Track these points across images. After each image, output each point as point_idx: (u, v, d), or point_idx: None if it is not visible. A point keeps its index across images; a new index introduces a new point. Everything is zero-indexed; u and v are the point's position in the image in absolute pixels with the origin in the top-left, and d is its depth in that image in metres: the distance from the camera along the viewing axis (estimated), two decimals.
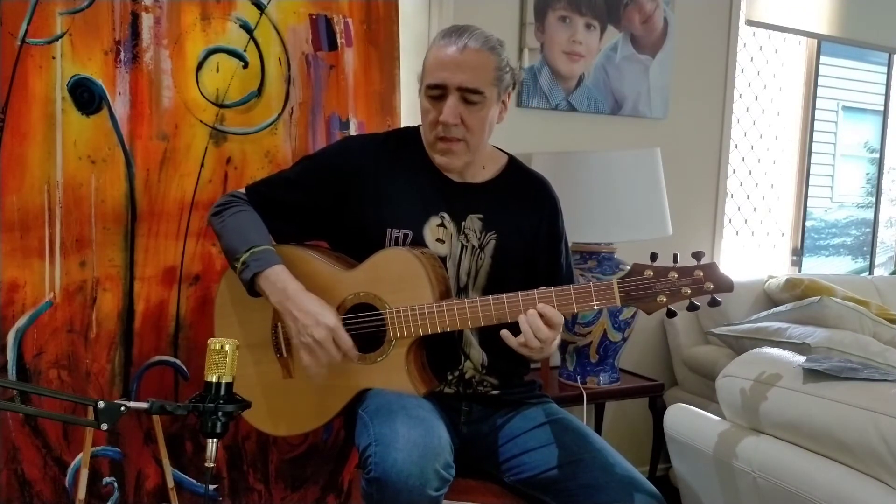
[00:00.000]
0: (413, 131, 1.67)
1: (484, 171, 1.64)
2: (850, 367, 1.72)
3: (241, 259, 1.49)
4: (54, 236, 1.72)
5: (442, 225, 1.59)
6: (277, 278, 1.48)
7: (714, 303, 1.41)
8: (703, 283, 1.39)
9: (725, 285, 1.40)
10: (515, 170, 1.68)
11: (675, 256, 1.41)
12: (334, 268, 1.56)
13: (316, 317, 1.44)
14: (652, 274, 1.40)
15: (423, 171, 1.61)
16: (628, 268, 2.38)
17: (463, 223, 1.59)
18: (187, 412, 1.31)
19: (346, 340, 1.46)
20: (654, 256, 1.42)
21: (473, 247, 1.60)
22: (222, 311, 1.66)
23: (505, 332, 1.43)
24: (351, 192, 1.59)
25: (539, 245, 1.66)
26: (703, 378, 2.71)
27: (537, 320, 1.40)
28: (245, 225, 1.56)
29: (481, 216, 1.60)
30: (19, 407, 1.67)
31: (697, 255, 1.40)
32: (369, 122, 1.97)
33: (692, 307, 1.42)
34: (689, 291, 1.39)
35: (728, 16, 3.02)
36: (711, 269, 1.39)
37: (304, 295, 1.47)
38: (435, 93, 1.51)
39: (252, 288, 1.50)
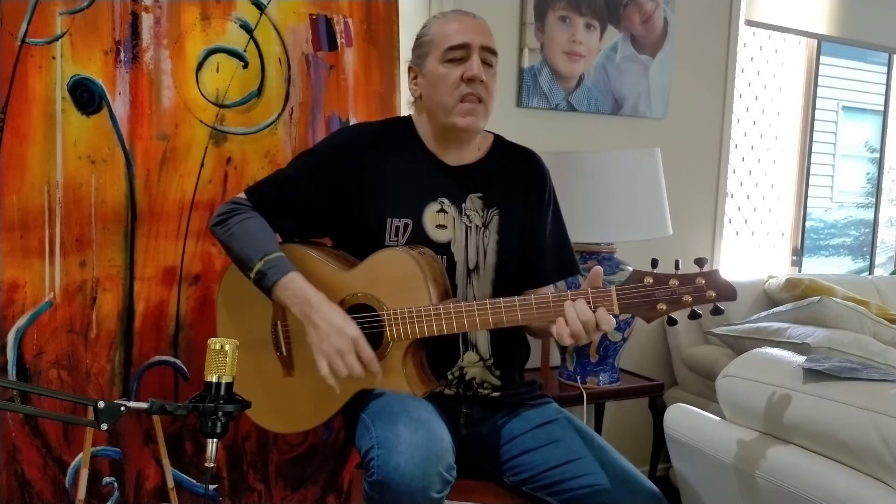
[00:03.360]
0: (406, 120, 1.68)
1: (478, 151, 1.66)
2: (850, 367, 1.72)
3: (256, 268, 1.48)
4: (54, 236, 1.72)
5: (442, 210, 1.59)
6: (297, 287, 1.47)
7: (717, 311, 1.37)
8: (706, 292, 1.35)
9: (728, 293, 1.36)
10: (503, 146, 1.71)
11: (676, 263, 1.37)
12: (333, 267, 1.56)
13: (339, 328, 1.43)
14: (651, 281, 1.36)
15: (418, 158, 1.62)
16: (629, 269, 2.38)
17: (463, 205, 1.60)
18: (187, 412, 1.31)
19: (368, 352, 1.44)
20: (654, 263, 1.39)
21: (478, 226, 1.60)
22: (224, 309, 1.66)
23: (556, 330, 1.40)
24: (350, 184, 1.59)
25: (531, 215, 1.66)
26: (703, 378, 2.71)
27: (581, 303, 1.37)
28: (253, 232, 1.54)
29: (480, 195, 1.61)
30: (19, 407, 1.67)
31: (700, 262, 1.36)
32: None
33: (694, 315, 1.38)
34: (690, 299, 1.36)
35: (728, 16, 3.02)
36: (714, 277, 1.36)
37: (328, 305, 1.46)
38: (458, 54, 1.53)
39: (271, 295, 1.50)
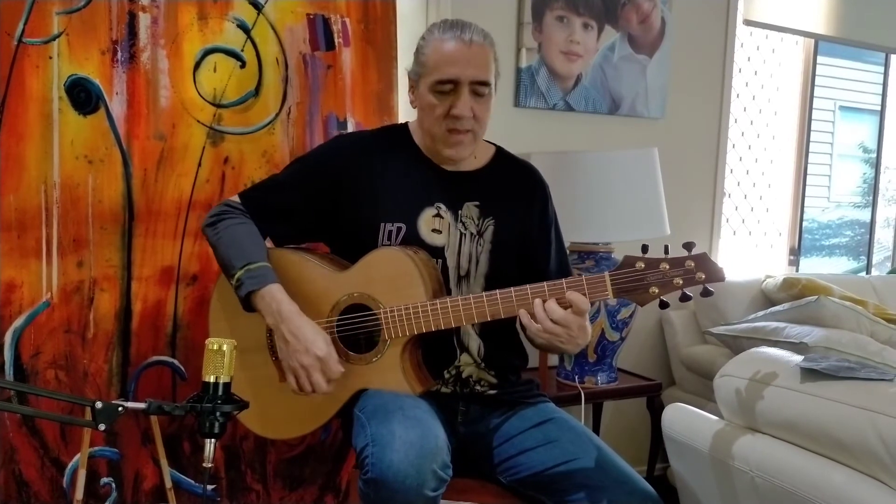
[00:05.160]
0: (402, 128, 1.68)
1: (476, 160, 1.66)
2: (848, 366, 1.73)
3: (236, 276, 1.49)
4: (51, 236, 1.72)
5: (438, 215, 1.59)
6: (273, 298, 1.47)
7: (706, 293, 1.40)
8: (695, 274, 1.38)
9: (717, 275, 1.39)
10: (504, 158, 1.71)
11: (665, 248, 1.41)
12: (327, 269, 1.56)
13: (306, 344, 1.44)
14: (643, 266, 1.39)
15: (415, 164, 1.62)
16: None
17: (460, 211, 1.61)
18: (185, 412, 1.30)
19: (335, 371, 1.46)
20: (644, 248, 1.42)
21: (472, 234, 1.61)
22: (217, 316, 1.65)
23: (526, 321, 1.43)
24: (344, 190, 1.59)
25: (532, 231, 1.67)
26: (701, 377, 2.71)
27: (552, 303, 1.40)
28: (240, 238, 1.54)
29: (477, 203, 1.62)
30: (17, 407, 1.67)
31: (688, 246, 1.40)
32: (367, 121, 1.96)
33: (684, 297, 1.42)
34: (680, 282, 1.39)
35: (725, 15, 3.02)
36: (703, 260, 1.39)
37: (299, 318, 1.47)
38: (445, 88, 1.52)
39: (248, 304, 1.50)
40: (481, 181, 1.64)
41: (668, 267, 1.39)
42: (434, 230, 1.59)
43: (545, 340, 1.44)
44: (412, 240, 1.58)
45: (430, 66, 1.54)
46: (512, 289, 1.44)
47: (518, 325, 1.68)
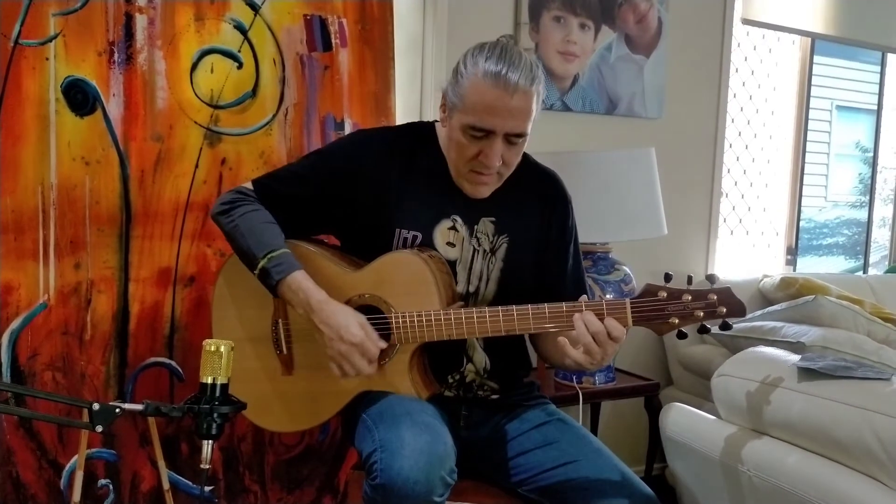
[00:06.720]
0: (427, 129, 1.62)
1: None
2: (845, 365, 1.73)
3: (260, 265, 1.45)
4: (48, 238, 1.72)
5: (453, 228, 1.56)
6: (299, 287, 1.44)
7: (725, 326, 1.39)
8: (717, 308, 1.36)
9: (738, 309, 1.37)
10: (527, 166, 1.63)
11: (689, 278, 1.40)
12: (341, 267, 1.54)
13: (340, 332, 1.41)
14: (665, 296, 1.37)
15: (436, 172, 1.57)
16: (625, 269, 2.39)
17: (476, 227, 1.57)
18: (182, 414, 1.30)
19: (374, 353, 1.42)
20: (668, 277, 1.40)
21: (485, 251, 1.58)
22: (221, 306, 1.64)
23: (562, 340, 1.40)
24: (361, 189, 1.55)
25: (549, 246, 1.63)
26: (699, 377, 2.72)
27: (590, 315, 1.37)
28: (259, 226, 1.51)
29: (493, 219, 1.58)
30: (13, 409, 1.66)
31: (711, 279, 1.40)
32: (364, 122, 1.96)
33: (703, 329, 1.40)
34: (701, 314, 1.37)
35: (722, 15, 3.03)
36: (726, 294, 1.37)
37: (328, 306, 1.43)
38: (478, 134, 1.45)
39: (275, 293, 1.47)
40: (500, 196, 1.57)
41: (690, 298, 1.37)
42: (448, 243, 1.56)
43: (577, 364, 1.40)
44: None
45: (466, 105, 1.44)
46: (529, 306, 1.42)
47: (526, 336, 1.68)
